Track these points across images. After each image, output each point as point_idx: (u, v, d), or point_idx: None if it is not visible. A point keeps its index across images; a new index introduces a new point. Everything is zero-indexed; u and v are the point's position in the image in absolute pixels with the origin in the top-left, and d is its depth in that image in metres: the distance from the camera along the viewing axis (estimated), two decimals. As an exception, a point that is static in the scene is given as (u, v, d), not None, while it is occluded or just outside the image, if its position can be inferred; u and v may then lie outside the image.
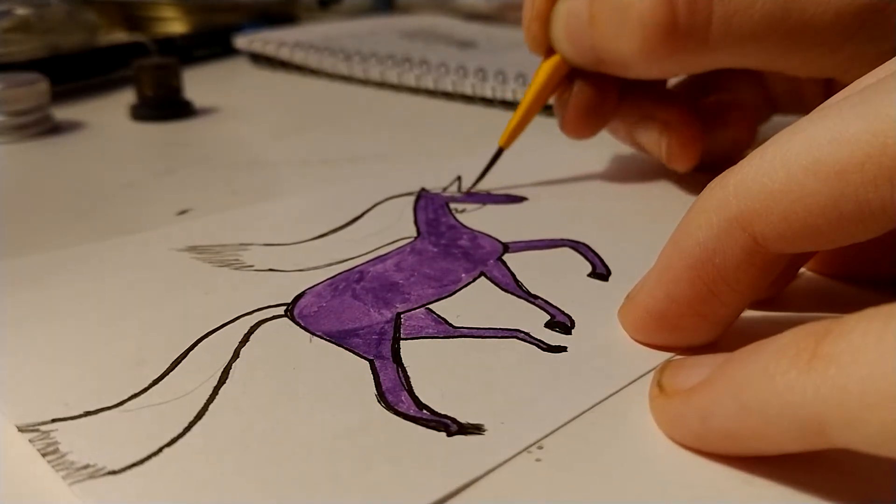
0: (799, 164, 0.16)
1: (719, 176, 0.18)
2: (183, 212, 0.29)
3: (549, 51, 0.29)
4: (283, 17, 0.66)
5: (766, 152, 0.17)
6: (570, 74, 0.29)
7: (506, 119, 0.31)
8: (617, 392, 0.18)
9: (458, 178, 0.32)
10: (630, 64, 0.26)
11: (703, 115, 0.30)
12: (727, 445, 0.16)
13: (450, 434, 0.16)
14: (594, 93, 0.29)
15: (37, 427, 0.16)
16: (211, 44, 0.58)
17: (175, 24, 0.63)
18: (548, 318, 0.21)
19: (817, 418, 0.13)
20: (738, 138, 0.31)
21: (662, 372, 0.17)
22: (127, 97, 0.44)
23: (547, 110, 0.32)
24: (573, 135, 0.30)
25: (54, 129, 0.40)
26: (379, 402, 0.17)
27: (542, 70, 0.30)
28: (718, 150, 0.31)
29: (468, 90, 0.45)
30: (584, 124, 0.30)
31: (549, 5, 0.28)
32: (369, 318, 0.21)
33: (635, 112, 0.30)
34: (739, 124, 0.31)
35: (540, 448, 0.16)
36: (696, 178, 0.32)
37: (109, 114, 0.43)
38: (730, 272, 0.18)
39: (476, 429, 0.17)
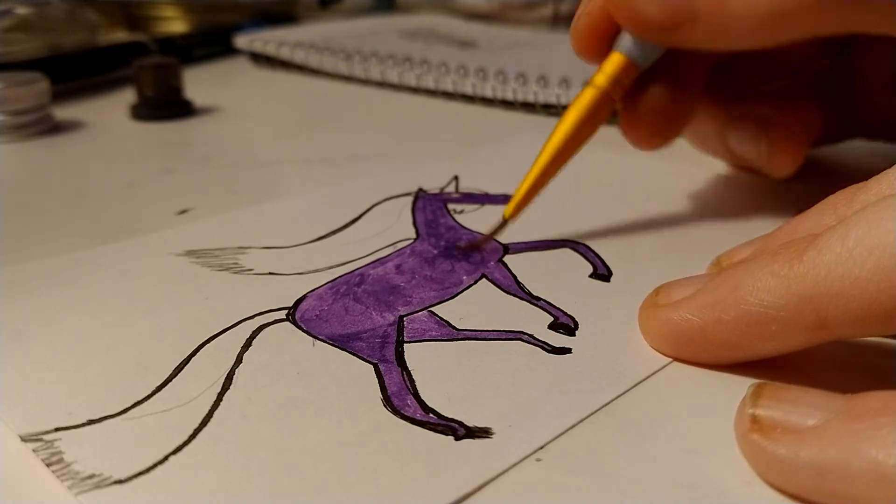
0: (889, 253, 0.15)
1: (795, 243, 0.17)
2: (183, 211, 0.29)
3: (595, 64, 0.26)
4: (283, 17, 0.66)
5: (850, 233, 0.16)
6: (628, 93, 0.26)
7: (506, 119, 0.31)
8: (623, 394, 0.18)
9: (455, 178, 0.31)
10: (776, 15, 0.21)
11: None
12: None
13: (458, 438, 0.16)
14: (673, 91, 0.25)
15: (40, 437, 0.16)
16: (211, 43, 0.58)
17: (175, 24, 0.63)
18: (551, 319, 0.21)
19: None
20: (772, 155, 0.28)
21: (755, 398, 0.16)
22: (127, 96, 0.44)
23: (548, 108, 0.32)
24: (643, 144, 0.26)
25: (54, 128, 0.40)
26: (385, 406, 0.17)
27: (579, 104, 0.25)
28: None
29: (469, 90, 0.45)
30: (657, 131, 0.26)
31: None
32: (372, 321, 0.21)
33: (725, 112, 0.27)
34: (779, 139, 0.27)
35: (541, 448, 0.16)
36: (695, 178, 0.32)
37: (110, 113, 0.43)
38: (780, 340, 0.17)
39: (484, 432, 0.17)
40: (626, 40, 0.25)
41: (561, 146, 0.25)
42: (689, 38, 0.23)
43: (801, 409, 0.15)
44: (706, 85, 0.26)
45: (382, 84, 0.49)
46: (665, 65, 0.25)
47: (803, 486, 0.14)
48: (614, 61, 0.25)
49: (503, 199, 0.30)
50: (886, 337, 0.20)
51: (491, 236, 0.25)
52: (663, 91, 0.25)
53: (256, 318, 0.21)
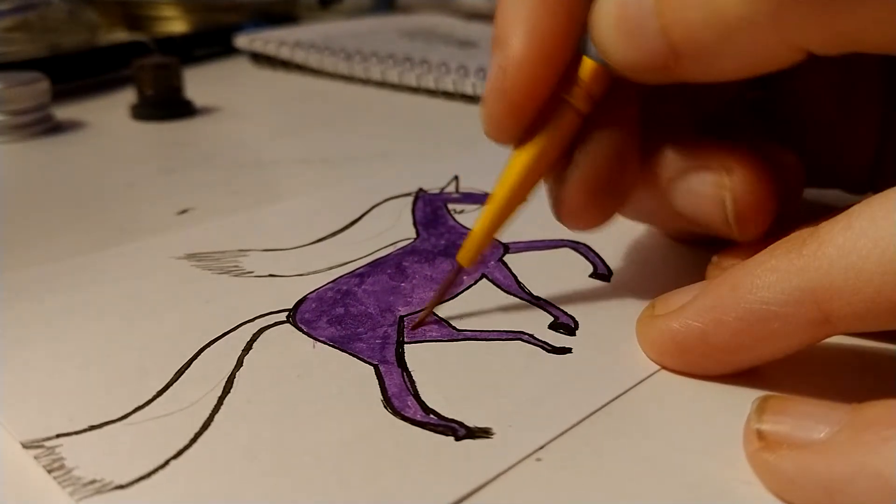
0: (895, 245, 0.14)
1: (794, 236, 0.17)
2: (183, 211, 0.29)
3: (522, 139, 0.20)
4: (283, 17, 0.66)
5: (853, 224, 0.15)
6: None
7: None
8: (623, 394, 0.18)
9: (455, 178, 0.31)
10: (739, 33, 0.16)
11: None
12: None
13: (458, 438, 0.16)
14: (611, 154, 0.20)
15: (41, 443, 0.16)
16: (211, 43, 0.58)
17: (175, 24, 0.63)
18: (551, 319, 0.21)
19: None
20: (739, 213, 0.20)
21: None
22: (127, 96, 0.44)
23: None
24: (579, 223, 0.21)
25: (55, 128, 0.40)
26: (385, 407, 0.17)
27: (518, 161, 0.20)
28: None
29: (469, 90, 0.45)
30: (596, 206, 0.20)
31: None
32: (372, 321, 0.21)
33: (671, 167, 0.20)
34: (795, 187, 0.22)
35: (541, 448, 0.16)
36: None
37: (110, 113, 0.43)
38: (783, 338, 0.17)
39: (484, 433, 0.17)
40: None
41: (513, 189, 0.20)
42: (682, 75, 0.18)
43: (807, 422, 0.15)
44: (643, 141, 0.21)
45: (383, 84, 0.49)
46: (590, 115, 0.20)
47: (814, 502, 0.14)
48: (588, 68, 0.19)
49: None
50: (889, 342, 0.20)
51: (438, 299, 0.21)
52: (597, 145, 0.20)
53: (257, 320, 0.21)
